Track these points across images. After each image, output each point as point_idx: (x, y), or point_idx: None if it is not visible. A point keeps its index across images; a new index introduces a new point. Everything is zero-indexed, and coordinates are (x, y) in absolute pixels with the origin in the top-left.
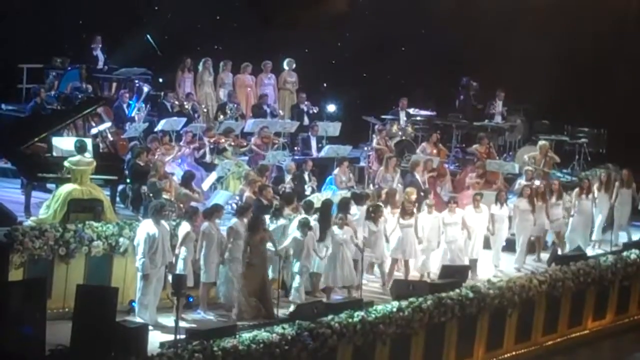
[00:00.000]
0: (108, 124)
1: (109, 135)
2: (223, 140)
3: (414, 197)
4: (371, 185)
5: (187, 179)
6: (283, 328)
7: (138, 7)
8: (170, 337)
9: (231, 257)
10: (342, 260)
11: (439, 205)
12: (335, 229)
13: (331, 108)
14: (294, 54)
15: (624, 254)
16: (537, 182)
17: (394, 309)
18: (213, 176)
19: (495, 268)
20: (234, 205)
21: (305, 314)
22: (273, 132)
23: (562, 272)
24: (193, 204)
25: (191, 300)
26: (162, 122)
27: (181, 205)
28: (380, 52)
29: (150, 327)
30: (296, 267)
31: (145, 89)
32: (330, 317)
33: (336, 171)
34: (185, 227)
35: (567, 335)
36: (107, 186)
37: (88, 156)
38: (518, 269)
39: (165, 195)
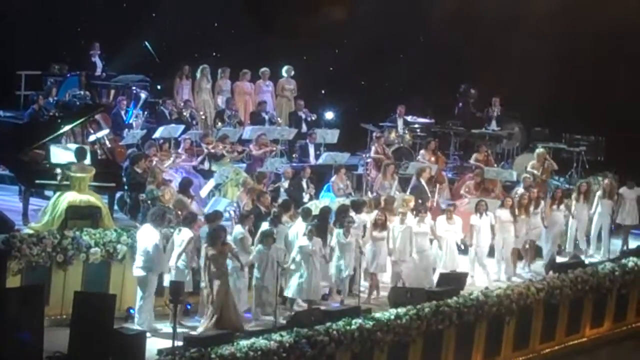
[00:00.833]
0: (106, 131)
1: (107, 142)
2: (220, 147)
3: (412, 204)
4: (369, 193)
5: (185, 186)
6: (281, 335)
7: (136, 15)
8: (168, 344)
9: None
10: (310, 273)
11: (436, 213)
12: (304, 240)
13: (329, 115)
14: (292, 61)
15: (622, 261)
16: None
17: (392, 317)
18: (211, 183)
19: (471, 278)
20: (232, 213)
21: (303, 321)
22: (271, 139)
23: (559, 280)
24: (194, 209)
25: (189, 307)
26: (160, 129)
27: (178, 212)
28: (379, 59)
29: (148, 335)
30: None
31: (143, 95)
32: (328, 324)
33: (334, 178)
34: (187, 234)
35: (564, 343)
36: (105, 193)
37: (87, 163)
38: (508, 279)
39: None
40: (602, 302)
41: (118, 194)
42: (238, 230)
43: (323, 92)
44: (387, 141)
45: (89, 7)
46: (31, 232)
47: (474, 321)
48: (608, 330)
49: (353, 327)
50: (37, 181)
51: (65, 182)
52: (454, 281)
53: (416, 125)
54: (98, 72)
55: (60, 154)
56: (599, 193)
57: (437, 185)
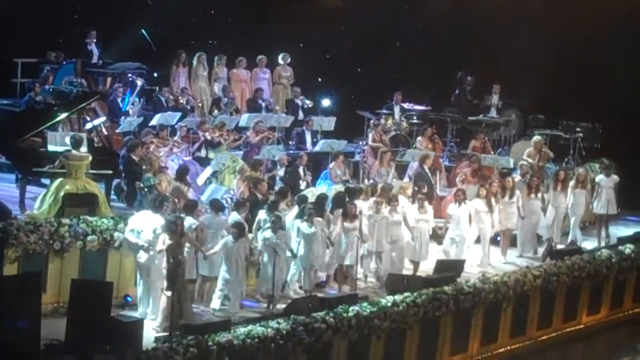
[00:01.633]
0: (103, 119)
1: (104, 130)
2: (217, 134)
3: (409, 191)
4: (366, 180)
5: (182, 173)
6: (278, 323)
7: (132, 2)
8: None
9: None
10: (272, 267)
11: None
12: (267, 232)
13: (326, 102)
14: (288, 48)
15: (619, 248)
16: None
17: (389, 304)
18: (208, 171)
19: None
20: (229, 200)
21: (300, 308)
22: (268, 126)
23: (556, 267)
24: (191, 196)
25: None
26: (157, 116)
27: (176, 200)
28: (375, 46)
29: (146, 321)
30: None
31: (139, 82)
32: (324, 311)
33: (332, 165)
34: (191, 222)
35: (561, 329)
36: (101, 181)
37: (83, 151)
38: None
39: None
40: (598, 289)
41: (115, 182)
42: (234, 217)
43: (320, 79)
44: (384, 128)
45: None
46: (28, 219)
47: (470, 308)
48: (605, 317)
49: (350, 314)
50: (34, 169)
51: (62, 170)
52: (450, 268)
53: (413, 113)
54: (94, 59)
55: (57, 142)
56: (571, 183)
57: (437, 173)
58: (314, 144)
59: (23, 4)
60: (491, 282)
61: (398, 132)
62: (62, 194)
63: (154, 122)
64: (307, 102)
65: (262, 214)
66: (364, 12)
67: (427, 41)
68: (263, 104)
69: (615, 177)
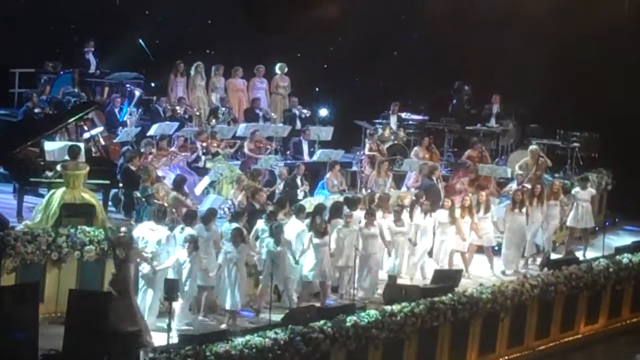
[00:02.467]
0: (100, 129)
1: (101, 140)
2: (215, 144)
3: (407, 201)
4: (363, 190)
5: (179, 183)
6: (276, 333)
7: (130, 12)
8: (162, 342)
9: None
10: (232, 281)
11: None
12: (228, 246)
13: (323, 112)
14: (286, 58)
15: (617, 257)
16: (527, 186)
17: (387, 314)
18: (206, 180)
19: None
20: (226, 210)
21: (298, 318)
22: (265, 136)
23: (554, 277)
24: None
25: None
26: (155, 126)
27: (174, 210)
28: (373, 56)
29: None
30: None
31: (137, 93)
32: (322, 321)
33: (328, 175)
34: (189, 232)
35: (559, 339)
36: (99, 191)
37: (81, 161)
38: None
39: (155, 201)
40: (596, 298)
41: (112, 192)
42: (227, 227)
43: (317, 89)
44: (381, 138)
45: (82, 4)
46: (26, 229)
47: (468, 318)
48: (603, 326)
49: (348, 324)
50: (32, 179)
51: (59, 180)
52: (448, 278)
53: (410, 122)
54: (92, 69)
55: (55, 152)
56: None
57: (438, 182)
58: (311, 153)
59: (20, 14)
60: (489, 292)
61: (395, 142)
62: (59, 204)
63: (151, 132)
64: (305, 111)
65: (260, 224)
66: (361, 22)
67: (424, 51)
68: (260, 114)
69: (591, 190)
